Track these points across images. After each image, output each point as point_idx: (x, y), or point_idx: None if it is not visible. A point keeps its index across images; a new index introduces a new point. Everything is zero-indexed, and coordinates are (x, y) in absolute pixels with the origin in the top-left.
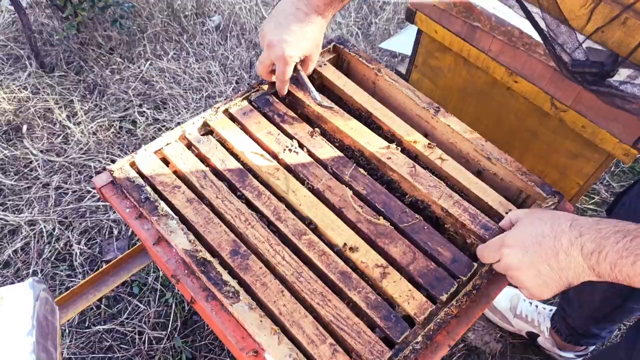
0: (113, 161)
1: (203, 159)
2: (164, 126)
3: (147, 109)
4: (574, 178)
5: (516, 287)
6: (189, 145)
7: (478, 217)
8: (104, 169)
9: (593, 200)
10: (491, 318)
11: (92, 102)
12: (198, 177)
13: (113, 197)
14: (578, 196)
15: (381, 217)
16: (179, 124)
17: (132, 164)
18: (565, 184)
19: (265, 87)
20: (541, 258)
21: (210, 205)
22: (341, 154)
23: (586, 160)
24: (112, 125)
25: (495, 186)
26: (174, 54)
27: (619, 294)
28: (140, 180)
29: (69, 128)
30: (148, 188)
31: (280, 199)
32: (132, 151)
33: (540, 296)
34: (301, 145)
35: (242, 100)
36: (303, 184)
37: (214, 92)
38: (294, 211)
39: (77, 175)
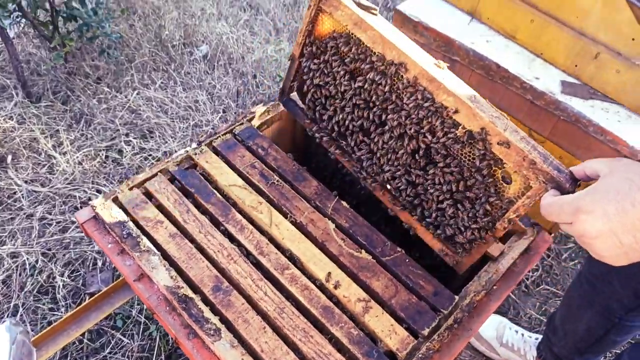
0: (99, 191)
1: (186, 193)
2: (150, 155)
3: (134, 138)
4: None
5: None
6: (172, 179)
7: (549, 158)
8: (89, 200)
9: None
10: (477, 347)
11: (78, 132)
12: (181, 212)
13: (95, 232)
14: (557, 226)
15: (363, 250)
16: (165, 153)
17: (115, 199)
18: None
19: (251, 119)
20: (626, 228)
21: (193, 240)
22: (324, 187)
23: None
24: (98, 154)
25: None
26: (162, 83)
27: (602, 325)
28: (122, 216)
29: (55, 158)
30: (130, 223)
31: (263, 232)
32: (118, 181)
33: (614, 263)
34: (284, 179)
35: (226, 133)
36: (286, 217)
37: (201, 121)
38: (277, 245)
39: (61, 206)
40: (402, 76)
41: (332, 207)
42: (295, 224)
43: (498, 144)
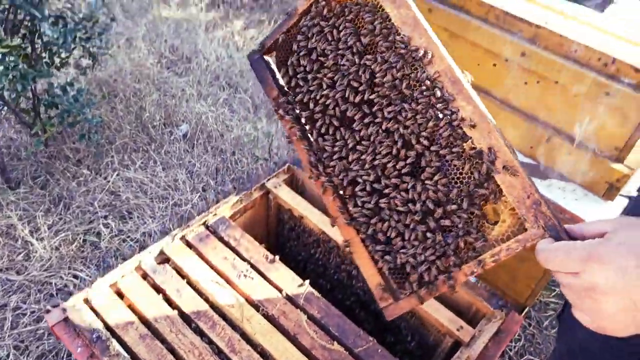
0: (75, 276)
1: (158, 290)
2: (129, 237)
3: (112, 220)
4: (524, 281)
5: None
6: (145, 276)
7: (549, 203)
8: (64, 287)
9: (554, 293)
10: None
11: (56, 216)
12: (152, 311)
13: (65, 335)
14: (532, 297)
15: (335, 342)
16: (144, 234)
17: (86, 300)
18: (517, 286)
19: (224, 208)
20: None
21: (163, 341)
22: (295, 276)
23: (534, 264)
24: (76, 238)
25: (445, 302)
26: (142, 163)
27: None
28: (92, 317)
29: (32, 244)
30: (100, 325)
31: (235, 327)
32: (95, 265)
33: (616, 332)
34: (256, 269)
35: (200, 225)
36: (258, 310)
37: (181, 200)
38: (249, 340)
39: (37, 294)
40: (422, 67)
41: (305, 297)
42: (267, 316)
43: (504, 168)
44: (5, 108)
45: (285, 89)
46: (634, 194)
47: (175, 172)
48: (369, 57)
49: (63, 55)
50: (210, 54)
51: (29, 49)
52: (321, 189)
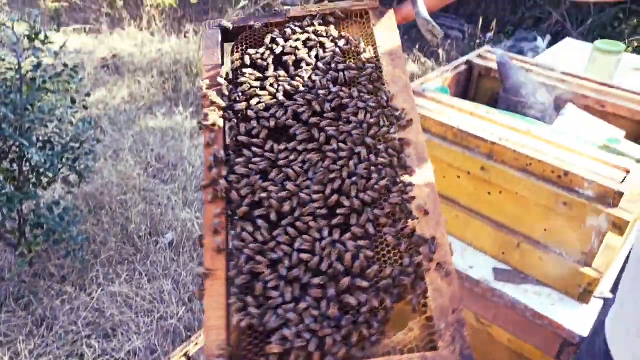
0: None
1: None
2: (113, 357)
3: (96, 339)
4: None
5: None
6: None
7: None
8: None
9: None
10: None
11: (38, 339)
12: None
13: None
14: None
15: None
16: (129, 352)
17: None
18: None
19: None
20: None
21: None
22: None
23: None
24: None
25: None
26: (127, 276)
27: None
28: None
29: None
30: None
31: None
32: None
33: None
34: None
35: (181, 357)
36: None
37: (167, 313)
38: None
39: None
40: (397, 128)
41: None
42: None
43: (439, 267)
44: None
45: (229, 74)
46: (608, 295)
47: (161, 283)
48: (344, 89)
49: (50, 175)
50: (195, 160)
51: (17, 172)
52: (210, 196)
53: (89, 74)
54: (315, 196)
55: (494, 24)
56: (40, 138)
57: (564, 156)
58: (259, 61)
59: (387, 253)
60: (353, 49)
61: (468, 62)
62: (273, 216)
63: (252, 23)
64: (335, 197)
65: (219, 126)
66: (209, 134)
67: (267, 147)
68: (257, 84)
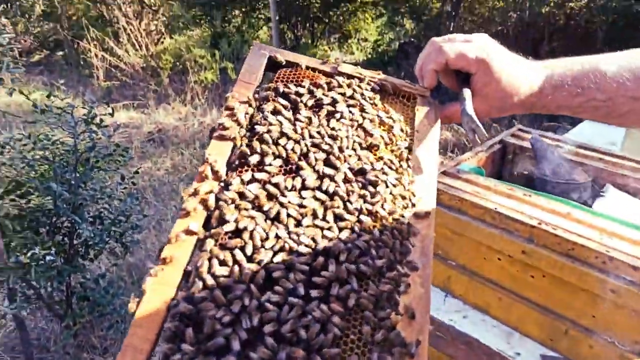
0: None
1: None
2: None
3: None
4: None
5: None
6: None
7: None
8: None
9: None
10: None
11: None
12: None
13: None
14: None
15: None
16: None
17: None
18: None
19: None
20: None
21: None
22: None
23: None
24: None
25: None
26: None
27: None
28: None
29: None
30: None
31: None
32: None
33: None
34: None
35: None
36: None
37: None
38: None
39: None
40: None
41: None
42: None
43: None
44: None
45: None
46: None
47: None
48: (370, 156)
49: (98, 248)
50: None
51: (67, 246)
52: (189, 204)
53: (136, 148)
54: (303, 249)
55: None
56: (91, 214)
57: (608, 241)
58: (294, 97)
59: (356, 339)
60: (390, 122)
61: (502, 142)
62: (249, 250)
63: (301, 62)
64: (322, 259)
65: (230, 137)
66: (218, 143)
67: (274, 180)
68: (288, 115)
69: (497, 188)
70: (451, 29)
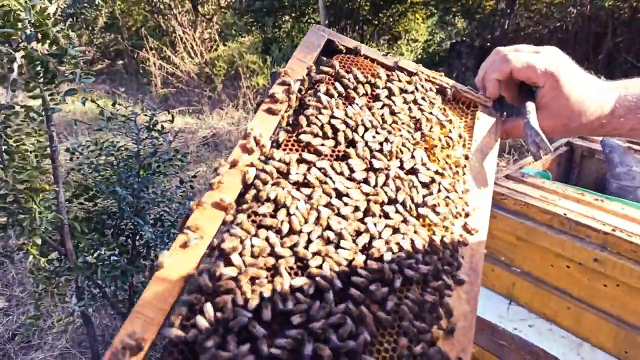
0: None
1: None
2: None
3: None
4: None
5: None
6: None
7: None
8: None
9: None
10: None
11: None
12: None
13: None
14: None
15: None
16: None
17: None
18: None
19: None
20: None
21: None
22: None
23: None
24: None
25: None
26: None
27: None
28: None
29: None
30: None
31: None
32: None
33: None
34: None
35: None
36: None
37: None
38: None
39: None
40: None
41: None
42: None
43: None
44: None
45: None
46: None
47: None
48: (425, 158)
49: (159, 249)
50: None
51: (130, 247)
52: (224, 176)
53: (192, 152)
54: (346, 244)
55: None
56: (152, 216)
57: None
58: (351, 83)
59: (390, 349)
60: (449, 126)
61: (569, 144)
62: (285, 228)
63: (361, 50)
64: (363, 257)
65: (278, 112)
66: (265, 116)
67: (320, 164)
68: (342, 101)
69: (565, 192)
70: (506, 27)
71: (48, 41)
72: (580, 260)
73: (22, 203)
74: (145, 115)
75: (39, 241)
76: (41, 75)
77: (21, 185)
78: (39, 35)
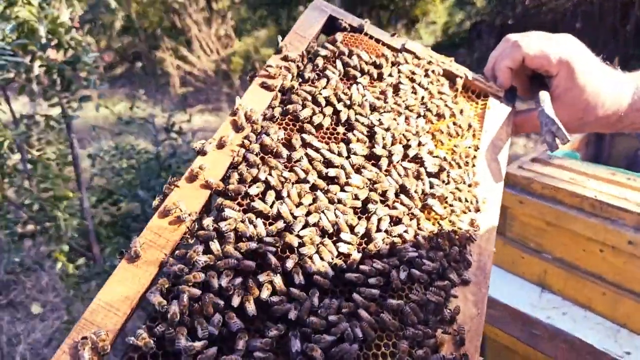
0: None
1: None
2: None
3: None
4: None
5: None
6: None
7: None
8: None
9: None
10: None
11: None
12: None
13: None
14: None
15: None
16: None
17: None
18: None
19: None
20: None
21: None
22: None
23: None
24: None
25: None
26: None
27: None
28: None
29: None
30: None
31: None
32: None
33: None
34: None
35: None
36: None
37: None
38: None
39: None
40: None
41: None
42: None
43: None
44: None
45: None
46: None
47: None
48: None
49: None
50: None
51: None
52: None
53: None
54: (347, 236)
55: (616, 60)
56: None
57: None
58: (353, 62)
59: (388, 353)
60: (458, 114)
61: None
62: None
63: (366, 29)
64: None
65: (273, 87)
66: (258, 90)
67: (316, 144)
68: (341, 78)
69: (595, 172)
70: (527, 3)
71: (63, 49)
72: (613, 244)
73: (48, 211)
74: (164, 117)
75: (66, 248)
76: (58, 82)
77: (45, 193)
78: (53, 43)
